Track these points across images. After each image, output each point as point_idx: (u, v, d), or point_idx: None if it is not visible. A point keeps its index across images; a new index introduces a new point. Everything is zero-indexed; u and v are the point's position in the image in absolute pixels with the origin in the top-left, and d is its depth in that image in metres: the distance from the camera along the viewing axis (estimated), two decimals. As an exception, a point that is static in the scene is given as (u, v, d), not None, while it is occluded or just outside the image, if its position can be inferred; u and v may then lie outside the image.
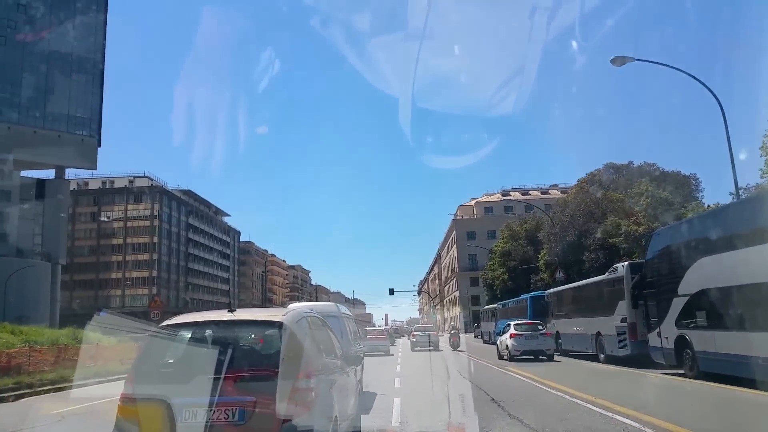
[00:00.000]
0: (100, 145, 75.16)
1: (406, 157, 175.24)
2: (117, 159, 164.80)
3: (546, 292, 27.40)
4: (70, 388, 16.04)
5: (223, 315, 4.87)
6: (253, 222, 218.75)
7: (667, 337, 14.06)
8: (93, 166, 74.27)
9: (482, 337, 42.51)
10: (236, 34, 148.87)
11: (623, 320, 17.21)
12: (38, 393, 14.83)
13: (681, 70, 18.82)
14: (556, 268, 31.90)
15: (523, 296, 30.40)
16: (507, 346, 21.30)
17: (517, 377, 14.96)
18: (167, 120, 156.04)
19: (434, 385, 13.11)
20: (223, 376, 4.19)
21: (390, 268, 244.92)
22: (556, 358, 21.67)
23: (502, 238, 49.28)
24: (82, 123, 73.50)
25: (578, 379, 14.70)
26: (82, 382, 16.95)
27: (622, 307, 17.35)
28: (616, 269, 18.33)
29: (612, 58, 18.13)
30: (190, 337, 4.78)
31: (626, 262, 18.04)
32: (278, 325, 4.75)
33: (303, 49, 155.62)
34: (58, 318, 68.31)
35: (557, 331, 24.15)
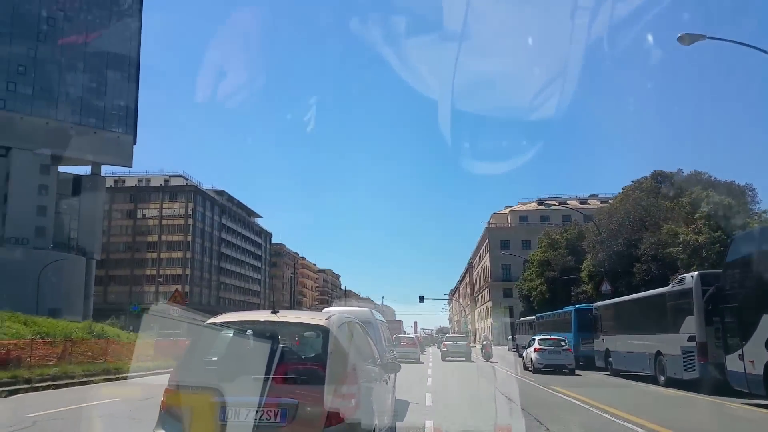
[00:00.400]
0: (135, 143, 75.91)
1: (444, 161, 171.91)
2: (153, 157, 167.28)
3: (594, 305, 25.04)
4: (72, 384, 14.83)
5: (268, 316, 4.90)
6: (284, 225, 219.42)
7: (752, 361, 11.79)
8: (128, 163, 74.92)
9: (518, 350, 40.12)
10: (274, 34, 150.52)
11: (691, 339, 14.94)
12: (36, 389, 13.62)
13: (752, 46, 16.39)
14: (602, 279, 29.44)
15: (566, 309, 28.03)
16: (531, 359, 22.41)
17: (566, 398, 12.94)
18: (203, 120, 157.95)
19: (469, 402, 12.14)
20: (266, 376, 4.17)
21: (421, 274, 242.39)
22: (609, 379, 19.67)
23: (540, 247, 46.77)
24: (117, 120, 74.37)
25: (645, 406, 12.56)
26: (86, 379, 15.73)
27: (691, 324, 15.06)
28: (683, 280, 16.03)
29: (680, 35, 15.94)
30: (236, 336, 4.80)
31: (696, 272, 15.71)
32: (322, 329, 4.77)
33: (341, 50, 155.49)
34: (92, 312, 68.85)
35: (606, 349, 21.83)
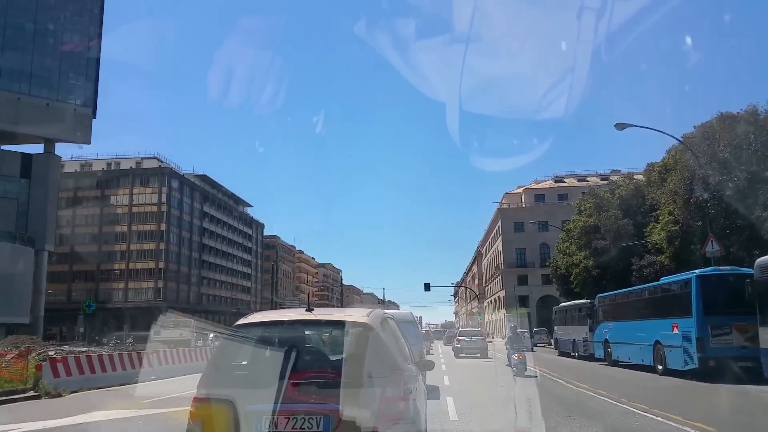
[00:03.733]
0: (95, 116, 65.93)
1: (452, 159, 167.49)
2: (133, 143, 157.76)
3: (737, 269, 14.98)
4: None
5: (302, 314, 4.47)
6: (280, 218, 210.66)
7: None
8: (87, 139, 64.87)
9: (558, 347, 30.06)
10: (277, 35, 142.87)
11: None
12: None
13: None
14: (708, 236, 19.26)
15: (674, 278, 17.27)
16: None
17: None
18: (190, 103, 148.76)
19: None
20: (304, 381, 3.84)
21: (425, 269, 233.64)
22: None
23: (583, 211, 36.50)
24: (74, 90, 64.48)
25: None
26: None
27: None
28: None
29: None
30: (267, 337, 4.36)
31: None
32: (364, 326, 4.37)
33: (346, 54, 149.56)
34: (43, 313, 59.10)
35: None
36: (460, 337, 30.37)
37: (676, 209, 22.81)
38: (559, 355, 29.53)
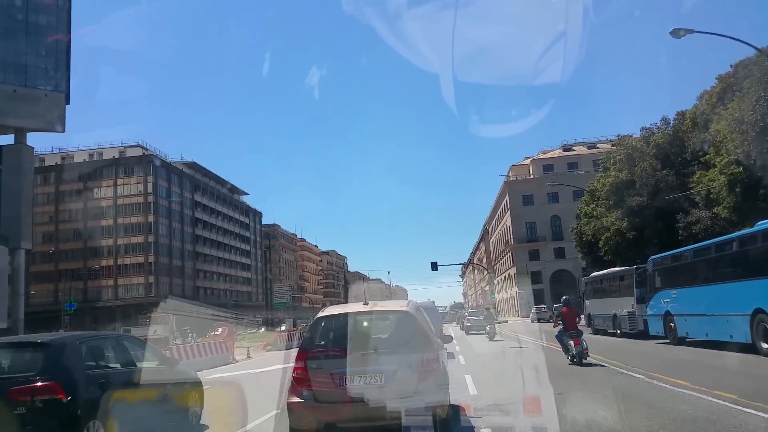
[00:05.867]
0: (68, 102, 61.38)
1: (451, 131, 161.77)
2: (119, 135, 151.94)
3: None
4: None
5: (362, 307, 6.52)
6: (280, 207, 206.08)
7: None
8: (60, 127, 60.47)
9: (593, 324, 25.42)
10: (267, 18, 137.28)
11: None
12: None
13: None
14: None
15: None
16: None
17: None
18: (178, 88, 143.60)
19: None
20: (369, 351, 5.82)
21: (431, 250, 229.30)
22: None
23: (612, 166, 31.65)
24: (44, 75, 59.79)
25: None
26: None
27: None
28: None
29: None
30: (341, 322, 6.40)
31: None
32: (405, 313, 6.52)
33: (335, 31, 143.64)
34: (23, 316, 54.97)
35: None
36: (469, 317, 34.96)
37: (746, 141, 18.02)
38: (593, 333, 25.07)
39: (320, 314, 6.66)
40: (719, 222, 21.95)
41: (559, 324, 13.68)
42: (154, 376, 7.10)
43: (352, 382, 5.57)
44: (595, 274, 26.49)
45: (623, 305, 21.45)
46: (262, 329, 56.20)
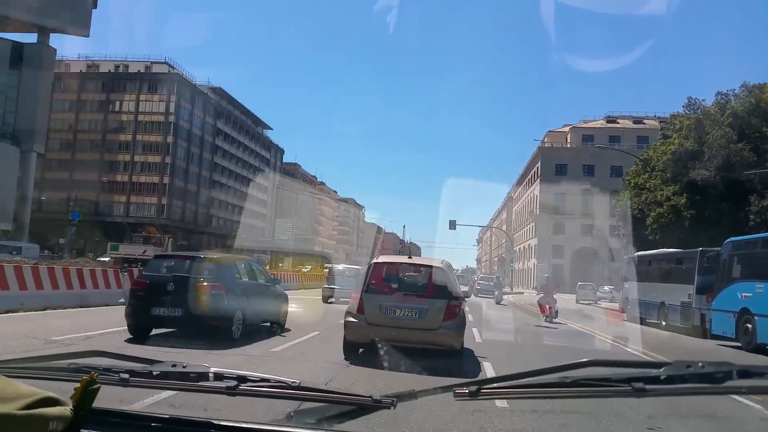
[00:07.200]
0: (95, 7, 58.24)
1: (540, 59, 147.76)
2: (142, 48, 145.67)
3: None
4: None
5: (405, 259, 9.40)
6: (300, 145, 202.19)
7: None
8: (84, 31, 57.69)
9: (639, 312, 22.22)
10: None
11: None
12: None
13: None
14: None
15: None
16: None
17: None
18: (212, 9, 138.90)
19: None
20: (409, 293, 8.03)
21: (451, 206, 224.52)
22: None
23: (676, 132, 27.86)
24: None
25: None
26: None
27: None
28: None
29: None
30: (390, 269, 8.80)
31: None
32: (438, 267, 8.48)
33: None
34: (29, 220, 53.93)
35: None
36: (480, 281, 41.01)
37: None
38: (627, 321, 22.26)
39: (374, 260, 9.17)
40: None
41: (541, 294, 18.64)
42: (267, 288, 10.98)
43: (393, 314, 7.76)
44: (643, 252, 23.37)
45: (676, 293, 18.48)
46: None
